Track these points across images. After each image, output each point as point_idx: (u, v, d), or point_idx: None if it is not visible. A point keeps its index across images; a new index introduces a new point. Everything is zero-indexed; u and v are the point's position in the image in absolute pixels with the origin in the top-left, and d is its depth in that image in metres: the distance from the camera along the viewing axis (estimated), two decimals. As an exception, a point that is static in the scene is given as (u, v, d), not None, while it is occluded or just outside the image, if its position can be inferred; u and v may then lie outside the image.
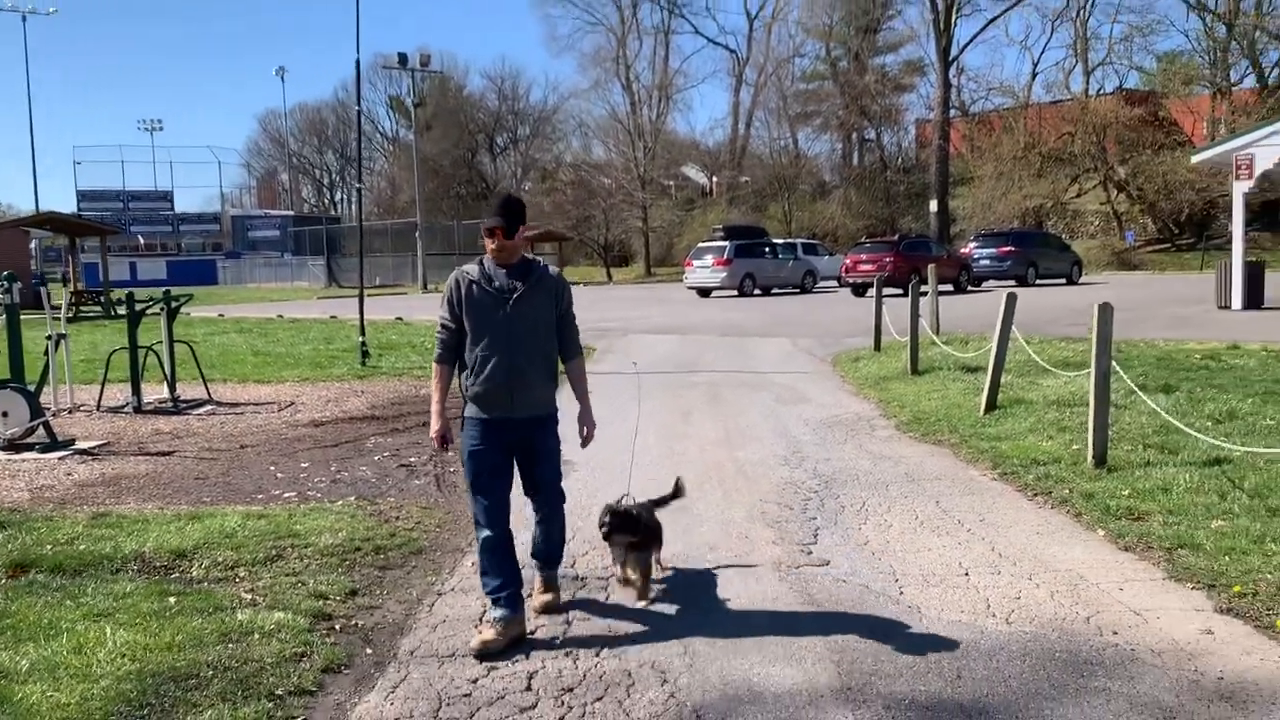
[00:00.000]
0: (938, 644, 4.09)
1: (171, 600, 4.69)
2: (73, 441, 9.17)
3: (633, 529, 4.66)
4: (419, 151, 55.73)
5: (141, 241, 75.08)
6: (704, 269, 33.87)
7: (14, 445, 8.85)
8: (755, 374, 13.00)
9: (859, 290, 29.59)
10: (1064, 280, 33.51)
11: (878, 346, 14.21)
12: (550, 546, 4.73)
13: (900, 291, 19.41)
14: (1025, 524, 5.83)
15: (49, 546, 5.64)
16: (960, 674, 3.80)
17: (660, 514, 5.12)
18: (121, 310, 12.12)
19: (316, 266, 59.23)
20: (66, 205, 74.96)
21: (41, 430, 9.01)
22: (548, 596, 4.66)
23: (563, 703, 3.68)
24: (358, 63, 14.68)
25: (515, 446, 4.46)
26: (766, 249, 35.94)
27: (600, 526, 4.72)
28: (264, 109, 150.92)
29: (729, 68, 72.24)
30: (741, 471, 7.43)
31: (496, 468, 4.43)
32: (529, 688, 3.82)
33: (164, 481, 7.64)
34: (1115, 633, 4.15)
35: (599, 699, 3.70)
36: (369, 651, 4.24)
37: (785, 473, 7.33)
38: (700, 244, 36.71)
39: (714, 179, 71.03)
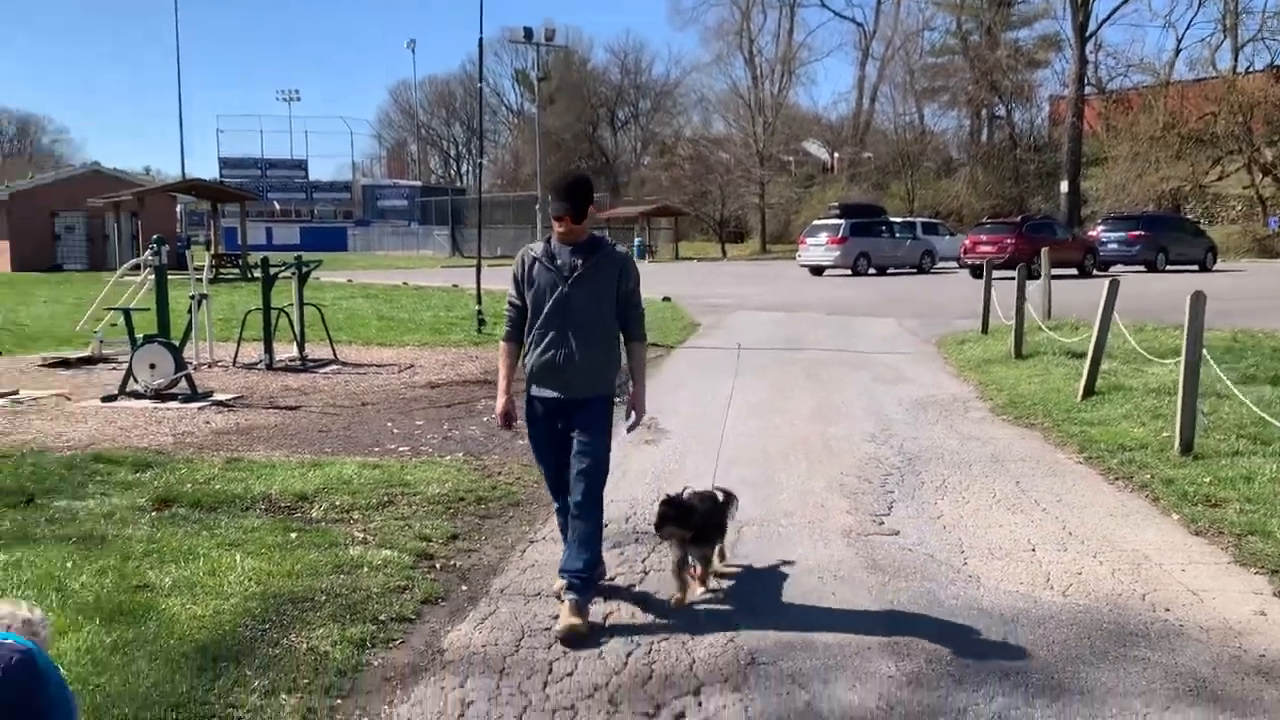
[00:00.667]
0: (990, 610, 4.30)
1: (293, 535, 5.24)
2: (211, 394, 9.97)
3: (685, 522, 4.33)
4: (541, 125, 56.71)
5: (277, 207, 78.36)
6: (817, 247, 33.73)
7: (160, 395, 9.69)
8: (857, 353, 13.12)
9: (977, 272, 29.00)
10: (1196, 267, 32.18)
11: (985, 329, 14.13)
12: (571, 554, 4.28)
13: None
14: (1101, 506, 5.93)
15: (189, 485, 6.30)
16: (1006, 637, 4.02)
17: (742, 484, 5.40)
18: (257, 273, 13.00)
19: (441, 236, 60.96)
20: (209, 172, 79.04)
21: (184, 382, 9.83)
22: (574, 619, 4.07)
23: (632, 640, 4.04)
24: (480, 42, 15.31)
25: (566, 426, 4.36)
26: (883, 228, 35.51)
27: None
28: (395, 81, 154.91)
29: (855, 41, 71.05)
30: (828, 446, 7.66)
31: (553, 445, 4.45)
32: (604, 625, 4.19)
33: (291, 433, 8.31)
34: (1168, 609, 4.29)
35: (665, 640, 4.05)
36: (464, 588, 4.69)
37: (870, 449, 7.54)
38: (815, 221, 36.53)
39: (835, 155, 70.14)
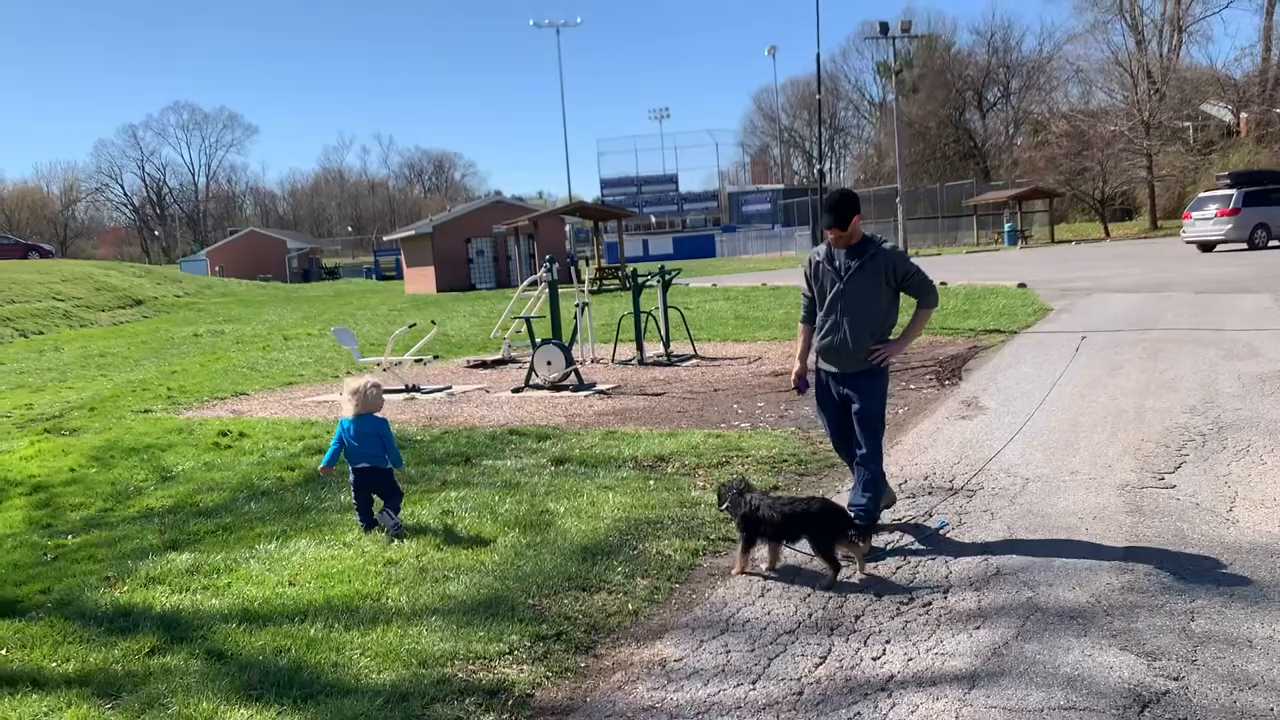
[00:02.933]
0: (1232, 545, 4.85)
1: (650, 483, 6.77)
2: (594, 384, 11.97)
3: (733, 510, 5.08)
4: (905, 115, 56.41)
5: (653, 220, 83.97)
6: (1205, 221, 31.17)
7: (555, 386, 11.82)
8: (1213, 330, 12.74)
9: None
10: None
11: (1369, 300, 13.06)
12: (856, 494, 5.37)
13: None
14: (1407, 466, 6.00)
15: (577, 450, 8.07)
16: (1233, 562, 4.59)
17: (1040, 448, 6.18)
18: (651, 283, 15.02)
19: (803, 236, 62.46)
20: (593, 192, 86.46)
21: (573, 376, 11.91)
22: (857, 547, 4.92)
23: (904, 558, 5.08)
24: (818, 57, 16.33)
25: (842, 396, 5.45)
26: (1286, 194, 32.01)
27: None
28: (758, 87, 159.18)
29: (1259, -14, 63.58)
30: (1139, 416, 8.03)
31: (832, 407, 5.54)
32: (884, 548, 5.26)
33: (655, 413, 9.98)
34: None
35: (931, 559, 5.04)
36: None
37: (1183, 419, 7.82)
38: (1201, 194, 33.71)
39: (1241, 115, 63.14)
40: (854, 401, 5.39)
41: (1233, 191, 31.14)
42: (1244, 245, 30.44)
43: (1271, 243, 30.66)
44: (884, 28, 51.08)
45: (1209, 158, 57.25)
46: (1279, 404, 8.14)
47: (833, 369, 5.48)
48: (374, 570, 5.19)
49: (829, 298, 5.40)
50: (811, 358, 5.68)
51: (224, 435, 9.60)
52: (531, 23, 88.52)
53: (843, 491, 6.51)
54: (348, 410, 6.08)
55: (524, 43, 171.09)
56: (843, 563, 4.88)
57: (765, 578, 4.93)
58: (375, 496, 6.01)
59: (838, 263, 5.38)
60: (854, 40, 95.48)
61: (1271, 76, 60.56)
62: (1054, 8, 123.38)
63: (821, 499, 5.13)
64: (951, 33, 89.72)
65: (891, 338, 5.48)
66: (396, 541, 5.64)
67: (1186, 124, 62.53)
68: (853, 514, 5.25)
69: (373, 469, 5.99)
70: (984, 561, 4.92)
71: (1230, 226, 30.51)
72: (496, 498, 6.54)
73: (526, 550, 5.38)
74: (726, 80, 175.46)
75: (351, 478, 6.06)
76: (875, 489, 5.42)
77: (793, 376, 5.87)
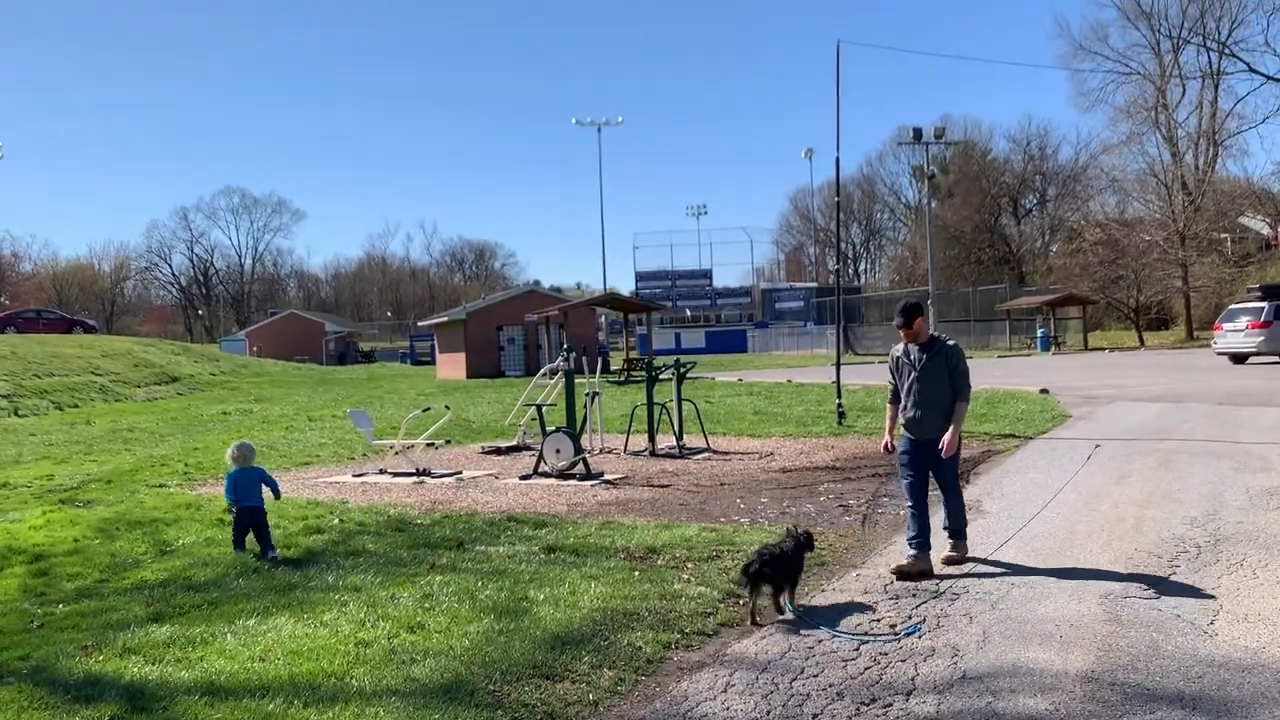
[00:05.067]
0: (1204, 657, 4.78)
1: (636, 574, 6.78)
2: (602, 474, 12.02)
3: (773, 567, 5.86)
4: (940, 219, 56.93)
5: (688, 313, 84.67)
6: (1235, 332, 30.97)
7: (562, 475, 11.88)
8: (1229, 443, 12.61)
9: None
10: None
11: (1389, 417, 12.89)
12: (950, 519, 7.09)
13: None
14: (1400, 586, 5.89)
15: (571, 538, 8.10)
16: (1204, 676, 4.52)
17: (1032, 554, 6.29)
18: (665, 375, 15.16)
19: (834, 334, 62.67)
20: (629, 284, 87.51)
21: (581, 465, 11.97)
22: (952, 554, 7.01)
23: (874, 659, 5.04)
24: (837, 161, 16.69)
25: (924, 455, 6.98)
26: (1319, 309, 31.75)
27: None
28: (795, 187, 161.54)
29: (1294, 104, 64.16)
30: (1137, 526, 7.95)
31: (915, 466, 7.01)
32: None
33: (658, 505, 9.99)
34: (1395, 671, 4.51)
35: (903, 660, 5.00)
36: (758, 619, 5.91)
37: (1182, 530, 7.73)
38: (1231, 306, 33.56)
39: (1278, 229, 63.07)
40: (935, 461, 6.96)
41: (1264, 304, 30.98)
42: (1276, 359, 30.14)
43: (1304, 357, 30.35)
44: (918, 134, 51.96)
45: (1246, 270, 57.07)
46: (1283, 518, 8.03)
47: (916, 436, 7.04)
48: (344, 649, 5.23)
49: (908, 384, 7.00)
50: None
51: (229, 512, 9.72)
52: (574, 120, 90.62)
53: (828, 590, 6.50)
54: (232, 466, 8.24)
55: (567, 137, 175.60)
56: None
57: (733, 672, 4.92)
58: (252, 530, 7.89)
59: (913, 357, 7.02)
60: (890, 144, 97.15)
61: (1308, 190, 60.67)
62: (1090, 118, 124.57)
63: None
64: (988, 139, 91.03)
65: None
66: (281, 569, 7.26)
67: (1224, 235, 62.54)
68: (946, 533, 7.09)
69: (253, 509, 7.93)
70: (953, 665, 4.88)
71: (1262, 339, 30.27)
72: (480, 583, 6.58)
73: (498, 636, 5.40)
74: (764, 179, 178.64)
75: (234, 514, 8.03)
76: (959, 518, 7.12)
77: (883, 444, 7.41)
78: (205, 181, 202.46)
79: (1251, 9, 62.90)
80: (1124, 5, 65.71)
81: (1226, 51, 64.16)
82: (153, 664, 5.12)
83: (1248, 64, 64.63)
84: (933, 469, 7.01)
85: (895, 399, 7.18)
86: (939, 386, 6.87)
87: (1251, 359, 30.95)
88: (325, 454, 15.43)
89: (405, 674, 4.86)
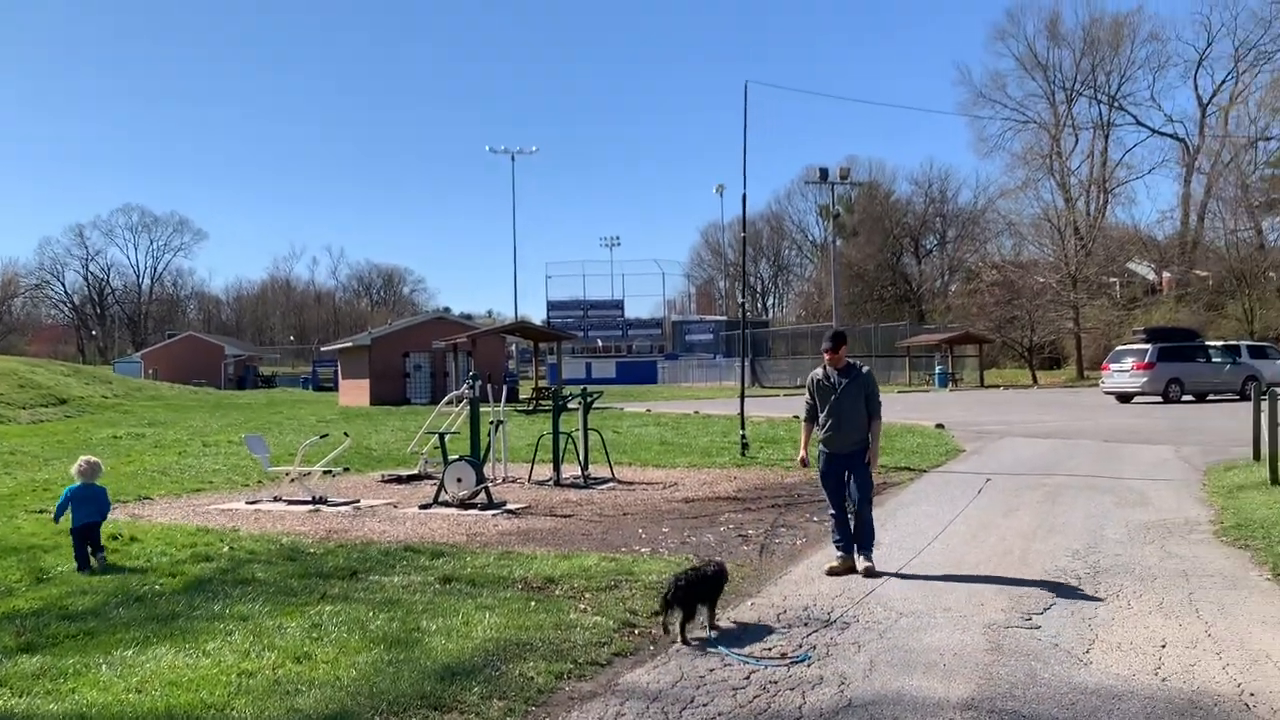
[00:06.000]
0: (1078, 684, 4.96)
1: (532, 604, 6.74)
2: (504, 504, 11.93)
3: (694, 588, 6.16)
4: (844, 257, 58.27)
5: (599, 344, 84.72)
6: (1122, 373, 32.35)
7: (464, 504, 11.75)
8: (1111, 479, 13.12)
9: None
10: None
11: (1256, 456, 13.59)
12: (859, 533, 7.83)
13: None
14: (1259, 615, 6.21)
15: (469, 569, 8.01)
16: (1076, 703, 4.69)
17: (919, 587, 6.56)
18: (572, 405, 15.12)
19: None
20: (541, 313, 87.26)
21: (483, 494, 11.86)
22: (868, 564, 7.75)
23: (764, 687, 5.10)
24: (744, 198, 17.00)
25: (842, 467, 7.88)
26: (1197, 352, 33.39)
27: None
28: (706, 222, 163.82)
29: (1178, 157, 67.72)
30: (1023, 558, 8.22)
31: (835, 477, 7.91)
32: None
33: (560, 535, 9.95)
34: (1252, 694, 4.75)
35: (791, 689, 5.07)
36: (651, 648, 5.92)
37: (1064, 562, 8.02)
38: (1119, 347, 35.06)
39: (1163, 275, 66.17)
40: (853, 473, 7.87)
41: (1148, 346, 32.41)
42: (1159, 398, 31.53)
43: (1185, 397, 31.81)
44: (824, 174, 53.30)
45: (1133, 312, 59.57)
46: (1157, 552, 8.39)
47: (832, 451, 7.94)
48: (226, 680, 5.08)
49: (829, 404, 7.87)
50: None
51: (114, 539, 9.36)
52: (488, 148, 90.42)
53: (721, 620, 6.55)
54: (77, 480, 8.56)
55: (480, 164, 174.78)
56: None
57: (623, 702, 4.92)
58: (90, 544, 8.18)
59: (832, 380, 7.90)
60: (798, 183, 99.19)
61: (1190, 240, 63.85)
62: (989, 163, 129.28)
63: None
64: (891, 181, 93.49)
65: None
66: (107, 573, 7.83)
67: (1113, 279, 65.27)
68: (855, 547, 7.87)
69: (91, 524, 8.30)
70: (839, 693, 4.96)
71: (1146, 380, 31.65)
72: (371, 613, 6.46)
73: (387, 667, 5.30)
74: (676, 212, 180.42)
75: (74, 526, 8.23)
76: (871, 524, 7.94)
77: (799, 459, 8.48)
78: (103, 198, 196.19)
79: (1139, 65, 66.35)
80: (1021, 56, 68.81)
81: (1116, 104, 67.55)
82: (19, 696, 4.90)
83: (1135, 117, 68.09)
84: (853, 477, 7.85)
85: (811, 417, 8.09)
86: (856, 407, 7.82)
87: (1136, 398, 32.32)
88: (219, 480, 14.98)
89: (289, 705, 4.74)
